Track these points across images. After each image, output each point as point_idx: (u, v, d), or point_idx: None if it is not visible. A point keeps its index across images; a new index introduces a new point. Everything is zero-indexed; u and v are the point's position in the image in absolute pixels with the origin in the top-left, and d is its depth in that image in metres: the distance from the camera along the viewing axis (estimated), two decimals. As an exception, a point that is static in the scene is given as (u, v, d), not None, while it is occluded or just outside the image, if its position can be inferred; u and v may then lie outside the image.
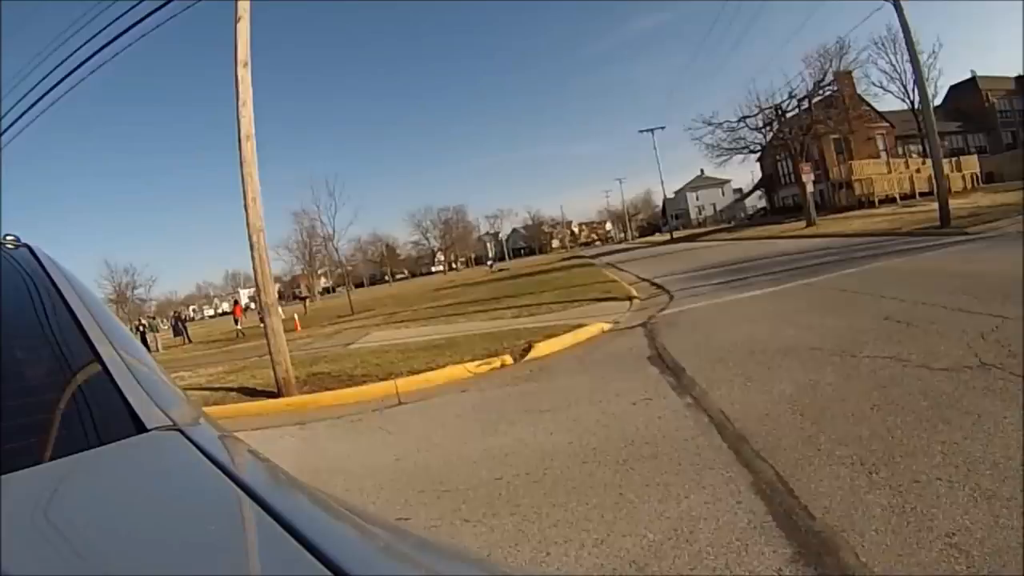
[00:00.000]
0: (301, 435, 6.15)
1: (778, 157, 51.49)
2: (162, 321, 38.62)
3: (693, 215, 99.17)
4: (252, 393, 8.88)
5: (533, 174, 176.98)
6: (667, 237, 63.23)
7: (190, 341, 30.06)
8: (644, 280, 16.82)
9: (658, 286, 14.54)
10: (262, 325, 8.76)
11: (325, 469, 4.74)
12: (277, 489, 0.93)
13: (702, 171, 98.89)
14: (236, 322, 28.34)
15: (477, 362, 7.99)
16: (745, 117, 36.82)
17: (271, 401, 8.12)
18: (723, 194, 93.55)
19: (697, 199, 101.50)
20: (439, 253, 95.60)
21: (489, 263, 74.94)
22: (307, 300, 40.77)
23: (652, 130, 65.36)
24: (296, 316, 24.45)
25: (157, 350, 27.75)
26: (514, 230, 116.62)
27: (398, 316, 18.87)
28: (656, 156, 65.04)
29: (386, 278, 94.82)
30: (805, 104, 36.00)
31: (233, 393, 9.06)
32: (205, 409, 5.82)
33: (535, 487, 3.69)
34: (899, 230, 17.75)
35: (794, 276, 11.52)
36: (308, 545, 0.65)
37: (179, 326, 33.53)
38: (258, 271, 8.52)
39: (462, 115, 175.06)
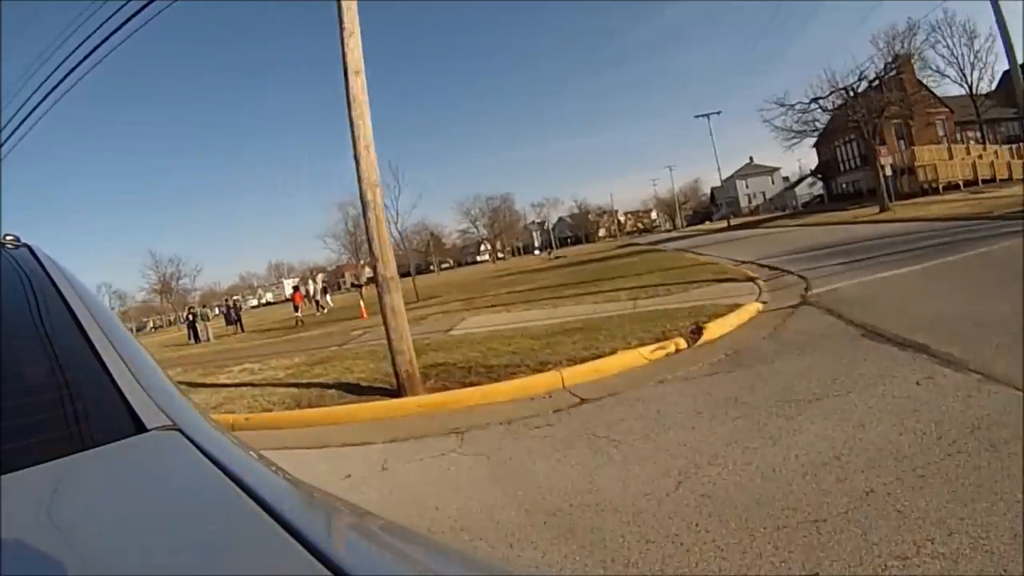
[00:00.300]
0: (475, 451, 4.86)
1: (837, 143, 48.36)
2: (211, 310, 36.68)
3: (743, 203, 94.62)
4: (360, 391, 7.51)
5: (578, 163, 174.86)
6: (720, 224, 63.82)
7: (243, 330, 29.86)
8: (746, 263, 16.10)
9: (771, 268, 13.93)
10: (379, 303, 7.36)
11: (576, 507, 3.50)
12: (277, 489, 0.92)
13: (751, 159, 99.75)
14: (296, 309, 28.03)
15: (650, 347, 7.03)
16: (817, 98, 36.76)
17: (395, 402, 6.71)
18: (772, 182, 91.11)
19: (747, 187, 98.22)
20: (484, 242, 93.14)
21: (547, 251, 76.75)
22: (363, 288, 38.67)
23: (708, 115, 63.84)
24: (361, 302, 24.18)
25: (208, 339, 27.94)
26: (560, 219, 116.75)
27: (479, 301, 18.45)
28: (712, 142, 62.91)
29: (431, 267, 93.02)
30: (869, 85, 36.10)
31: (331, 391, 7.71)
32: (297, 411, 6.70)
33: (926, 494, 2.86)
34: (990, 214, 17.26)
35: (921, 257, 11.01)
36: (308, 545, 0.65)
37: (232, 314, 32.51)
38: (374, 235, 7.20)
39: (505, 103, 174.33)
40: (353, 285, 41.68)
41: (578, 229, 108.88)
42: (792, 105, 37.10)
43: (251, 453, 1.06)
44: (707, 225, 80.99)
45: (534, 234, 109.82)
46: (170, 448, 0.95)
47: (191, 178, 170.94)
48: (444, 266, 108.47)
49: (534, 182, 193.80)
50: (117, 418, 1.00)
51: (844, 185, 55.68)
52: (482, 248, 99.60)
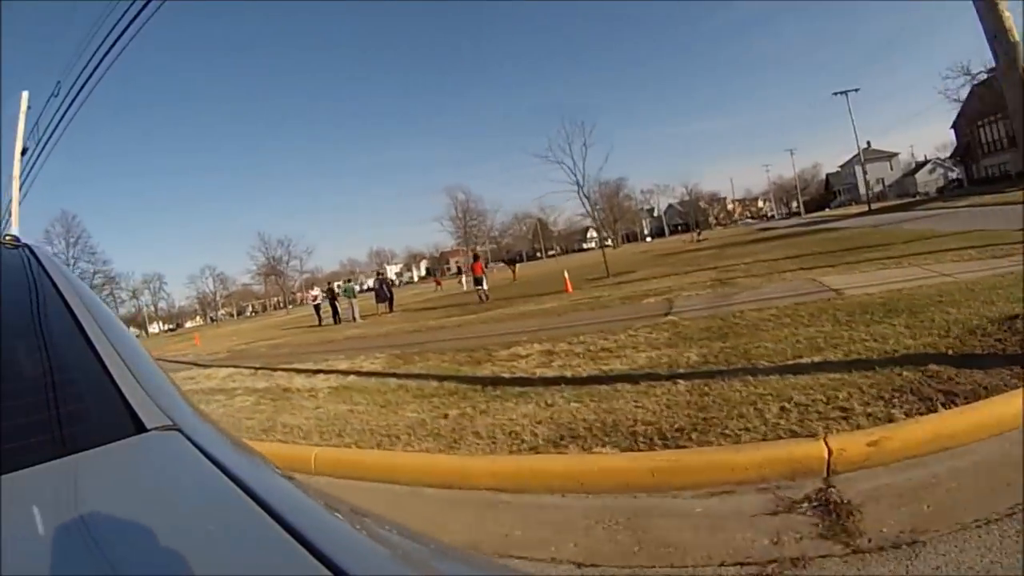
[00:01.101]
0: None
1: (980, 123, 44.74)
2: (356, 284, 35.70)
3: (862, 190, 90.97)
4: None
5: (687, 149, 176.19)
6: (857, 209, 61.58)
7: (391, 310, 27.69)
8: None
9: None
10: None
11: None
12: (277, 489, 0.93)
13: (868, 143, 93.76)
14: (478, 282, 25.14)
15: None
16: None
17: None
18: (891, 168, 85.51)
19: (866, 173, 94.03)
20: (592, 228, 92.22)
21: (695, 232, 75.38)
22: (516, 264, 37.51)
23: (846, 92, 62.47)
24: (567, 278, 22.04)
25: (354, 319, 25.95)
26: (670, 206, 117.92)
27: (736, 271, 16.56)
28: (852, 122, 60.42)
29: (538, 254, 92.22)
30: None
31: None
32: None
33: None
34: None
35: None
36: (308, 545, 0.67)
37: (384, 290, 29.05)
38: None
39: (614, 85, 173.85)
40: (505, 261, 40.23)
41: (687, 216, 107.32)
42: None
43: (251, 453, 1.09)
44: (831, 212, 78.59)
45: (644, 221, 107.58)
46: (170, 448, 0.96)
47: (297, 162, 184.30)
48: (551, 253, 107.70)
49: (643, 167, 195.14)
50: (117, 418, 1.01)
51: (988, 168, 51.90)
52: (588, 235, 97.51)
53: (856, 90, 64.85)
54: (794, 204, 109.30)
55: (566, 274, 22.64)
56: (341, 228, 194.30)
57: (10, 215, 16.30)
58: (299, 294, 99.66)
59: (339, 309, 28.73)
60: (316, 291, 33.61)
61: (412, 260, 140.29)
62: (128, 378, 1.10)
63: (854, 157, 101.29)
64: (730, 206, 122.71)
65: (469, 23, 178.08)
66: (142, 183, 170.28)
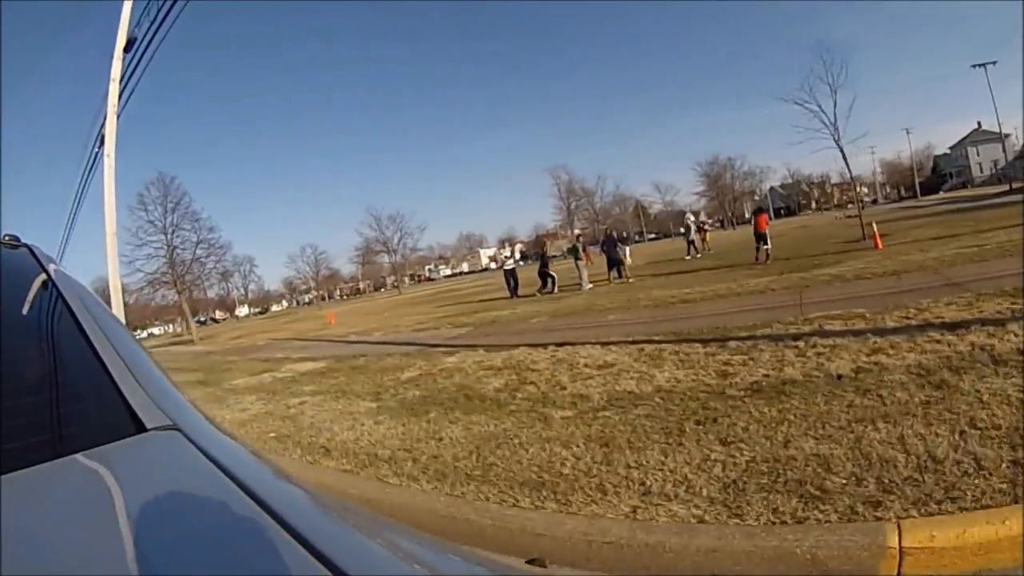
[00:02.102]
0: None
1: None
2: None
3: (975, 172, 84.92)
4: None
5: (784, 130, 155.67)
6: (996, 190, 55.85)
7: (623, 276, 22.42)
8: None
9: None
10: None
11: None
12: (277, 489, 0.94)
13: (979, 124, 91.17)
14: (762, 240, 20.31)
15: None
16: None
17: None
18: (1003, 150, 79.69)
19: (978, 155, 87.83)
20: (688, 213, 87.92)
21: (842, 211, 69.61)
22: (705, 231, 32.20)
23: (985, 65, 59.73)
24: (876, 231, 19.03)
25: (581, 286, 21.69)
26: (772, 188, 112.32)
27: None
28: (992, 97, 54.89)
29: (636, 238, 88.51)
30: None
31: None
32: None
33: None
34: None
35: None
36: (308, 545, 0.67)
37: (614, 251, 23.19)
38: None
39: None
40: (701, 227, 35.29)
41: (790, 200, 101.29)
42: None
43: (251, 453, 1.09)
44: (945, 195, 76.03)
45: (744, 205, 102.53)
46: (170, 448, 0.97)
47: (385, 148, 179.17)
48: (650, 237, 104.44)
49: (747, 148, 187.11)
50: (117, 418, 1.01)
51: None
52: (687, 219, 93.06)
53: (994, 63, 61.81)
54: (888, 190, 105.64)
55: (875, 225, 19.90)
56: (427, 214, 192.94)
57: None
58: (394, 278, 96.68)
59: (553, 275, 23.93)
60: (508, 251, 27.94)
61: (506, 244, 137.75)
62: (128, 378, 1.09)
63: (965, 138, 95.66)
64: (829, 190, 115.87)
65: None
66: (231, 159, 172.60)
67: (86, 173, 17.57)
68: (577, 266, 22.83)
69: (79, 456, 0.90)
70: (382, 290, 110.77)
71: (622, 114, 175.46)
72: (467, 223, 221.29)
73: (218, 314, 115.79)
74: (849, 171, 27.98)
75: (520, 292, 24.33)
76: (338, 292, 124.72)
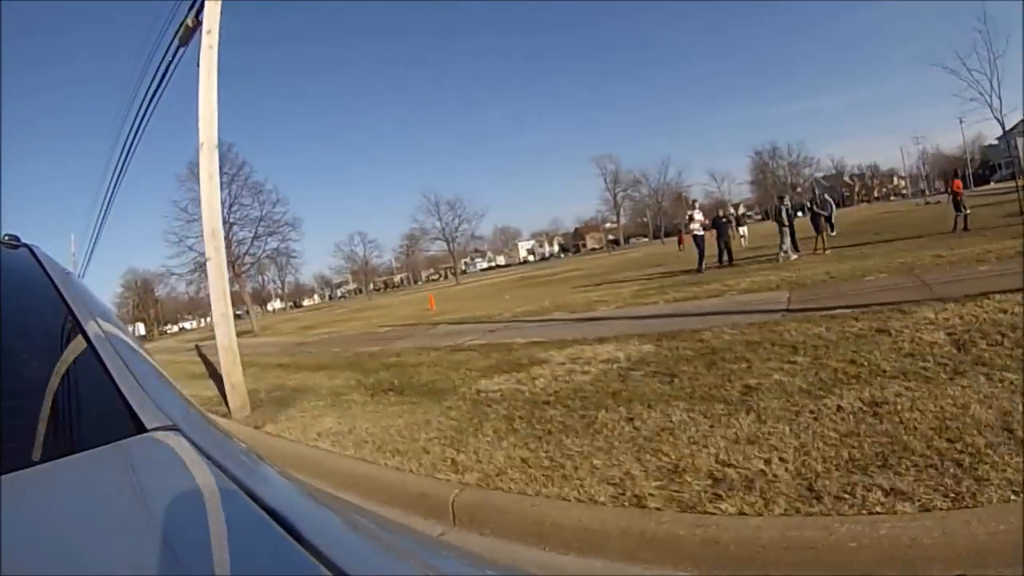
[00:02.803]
0: None
1: None
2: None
3: None
4: None
5: (831, 120, 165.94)
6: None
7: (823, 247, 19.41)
8: None
9: None
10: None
11: None
12: (277, 489, 0.93)
13: None
14: (958, 207, 18.86)
15: None
16: None
17: None
18: None
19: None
20: (728, 205, 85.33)
21: (924, 197, 72.42)
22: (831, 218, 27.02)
23: None
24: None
25: (784, 253, 18.82)
26: (815, 179, 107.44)
27: None
28: None
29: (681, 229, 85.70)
30: None
31: None
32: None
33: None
34: None
35: None
36: (308, 545, 0.67)
37: (825, 213, 20.81)
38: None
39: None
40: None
41: (833, 192, 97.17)
42: None
43: (251, 453, 1.09)
44: (996, 185, 73.33)
45: (785, 198, 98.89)
46: (170, 448, 0.96)
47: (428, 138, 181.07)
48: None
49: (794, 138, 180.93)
50: (117, 418, 1.01)
51: None
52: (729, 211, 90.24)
53: None
54: (934, 181, 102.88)
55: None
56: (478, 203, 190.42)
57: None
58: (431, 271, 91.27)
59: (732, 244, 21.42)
60: (700, 215, 22.37)
61: (545, 237, 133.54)
62: (128, 378, 1.08)
63: (1014, 127, 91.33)
64: (870, 183, 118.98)
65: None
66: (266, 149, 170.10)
67: (117, 171, 16.67)
68: (781, 232, 19.65)
69: (79, 456, 0.90)
70: (418, 283, 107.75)
71: (685, 106, 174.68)
72: (502, 216, 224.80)
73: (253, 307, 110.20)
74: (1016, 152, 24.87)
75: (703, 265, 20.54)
76: (372, 285, 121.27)
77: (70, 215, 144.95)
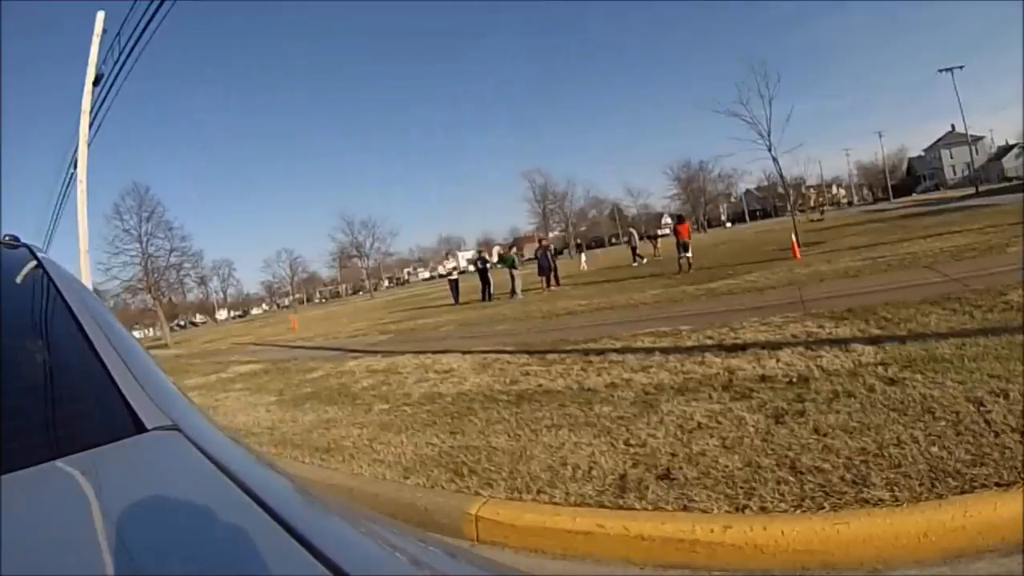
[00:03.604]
0: None
1: None
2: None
3: (948, 174, 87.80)
4: None
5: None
6: (943, 195, 61.74)
7: (556, 284, 24.87)
8: None
9: None
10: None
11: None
12: (277, 489, 0.95)
13: (953, 127, 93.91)
14: (683, 248, 21.68)
15: None
16: None
17: None
18: (976, 152, 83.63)
19: (951, 157, 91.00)
20: (665, 215, 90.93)
21: (816, 212, 77.40)
22: (657, 239, 35.10)
23: (951, 70, 63.39)
24: (795, 241, 20.09)
25: (514, 293, 23.22)
26: (747, 191, 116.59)
27: None
28: (959, 101, 58.60)
29: (612, 240, 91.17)
30: None
31: None
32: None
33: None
34: None
35: None
36: (308, 545, 0.69)
37: (547, 260, 25.10)
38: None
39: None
40: (648, 237, 37.58)
41: (766, 202, 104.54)
42: None
43: (251, 453, 1.12)
44: (918, 197, 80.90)
45: (721, 207, 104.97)
46: (170, 448, 0.98)
47: (362, 148, 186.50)
48: (625, 240, 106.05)
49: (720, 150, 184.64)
50: (117, 418, 1.03)
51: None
52: (663, 221, 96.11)
53: (961, 67, 65.01)
54: (865, 191, 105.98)
55: (794, 237, 20.64)
56: (407, 217, 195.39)
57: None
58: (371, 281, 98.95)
59: (490, 283, 25.53)
60: (453, 263, 30.09)
61: (484, 247, 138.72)
62: (128, 378, 1.10)
63: (939, 140, 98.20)
64: (805, 192, 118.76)
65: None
66: (210, 163, 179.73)
67: (63, 189, 18.84)
68: (512, 275, 23.89)
69: (79, 456, 0.91)
70: (360, 293, 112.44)
71: (600, 118, 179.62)
72: (446, 226, 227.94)
73: (198, 317, 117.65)
74: (782, 180, 27.14)
75: (461, 300, 26.37)
76: (318, 295, 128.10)
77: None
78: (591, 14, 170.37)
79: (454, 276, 28.91)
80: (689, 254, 21.49)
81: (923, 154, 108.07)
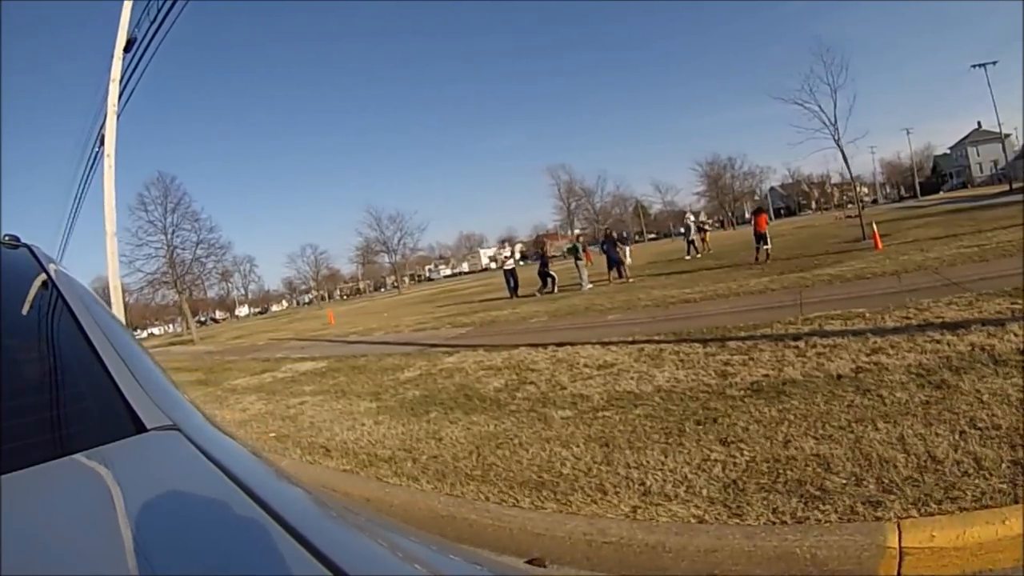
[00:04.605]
0: None
1: None
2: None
3: (975, 172, 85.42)
4: None
5: (784, 130, 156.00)
6: (974, 192, 58.15)
7: (624, 276, 22.41)
8: None
9: None
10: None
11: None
12: (277, 489, 0.95)
13: (979, 124, 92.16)
14: (762, 240, 20.19)
15: None
16: None
17: None
18: (1003, 150, 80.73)
19: (978, 155, 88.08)
20: (688, 213, 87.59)
21: (842, 211, 69.02)
22: (706, 232, 32.74)
23: (984, 65, 59.54)
24: (876, 230, 18.83)
25: (582, 286, 21.80)
26: (772, 188, 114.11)
27: None
28: (992, 98, 55.54)
29: (636, 238, 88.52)
30: None
31: None
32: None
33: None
34: None
35: None
36: (308, 545, 0.68)
37: (613, 251, 23.04)
38: None
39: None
40: (701, 227, 35.28)
41: (790, 200, 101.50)
42: None
43: (251, 453, 1.09)
44: (945, 194, 78.14)
45: (744, 205, 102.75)
46: (170, 448, 0.97)
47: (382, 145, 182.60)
48: (650, 237, 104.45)
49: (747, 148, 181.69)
50: (117, 418, 1.01)
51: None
52: (687, 219, 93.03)
53: (994, 63, 62.28)
54: (888, 189, 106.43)
55: (875, 226, 19.57)
56: (427, 214, 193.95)
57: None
58: (394, 278, 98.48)
59: (553, 275, 24.00)
60: (508, 250, 27.36)
61: (506, 244, 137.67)
62: (128, 378, 1.09)
63: (965, 138, 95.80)
64: (828, 190, 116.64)
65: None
66: (228, 160, 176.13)
67: (86, 173, 17.65)
68: (577, 266, 22.79)
69: (79, 456, 0.91)
70: (382, 290, 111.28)
71: (623, 114, 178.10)
72: (467, 223, 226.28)
73: (218, 314, 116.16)
74: (849, 171, 27.59)
75: (520, 292, 24.38)
76: (338, 292, 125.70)
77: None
78: (607, 11, 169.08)
79: (510, 266, 26.29)
80: (768, 245, 20.51)
81: (949, 152, 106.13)
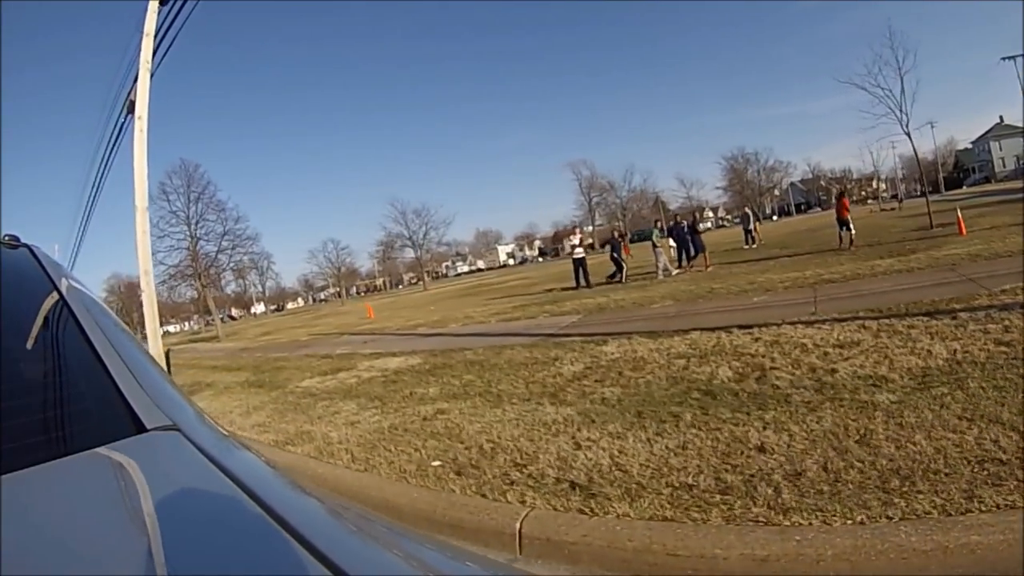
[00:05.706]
0: None
1: None
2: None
3: (997, 167, 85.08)
4: None
5: (802, 127, 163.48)
6: (1002, 186, 59.48)
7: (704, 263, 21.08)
8: None
9: None
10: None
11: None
12: (277, 489, 0.94)
13: (1001, 118, 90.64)
14: (844, 225, 19.38)
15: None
16: None
17: None
18: None
19: (1000, 149, 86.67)
20: (707, 209, 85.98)
21: (897, 202, 67.05)
22: (756, 227, 30.66)
23: (1014, 58, 55.58)
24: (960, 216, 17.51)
25: (660, 274, 20.15)
26: (792, 184, 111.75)
27: None
28: (1022, 89, 54.42)
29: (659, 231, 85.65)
30: None
31: None
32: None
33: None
34: None
35: None
36: (308, 545, 0.68)
37: (687, 237, 22.21)
38: None
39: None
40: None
41: (809, 196, 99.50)
42: None
43: (251, 453, 1.09)
44: (968, 189, 76.65)
45: (766, 200, 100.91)
46: (170, 448, 0.97)
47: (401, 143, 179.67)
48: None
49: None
50: (117, 418, 1.01)
51: None
52: (706, 214, 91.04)
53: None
54: (910, 184, 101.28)
55: (959, 212, 18.07)
56: (443, 211, 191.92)
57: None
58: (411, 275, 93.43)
59: (624, 264, 22.25)
60: (577, 238, 24.83)
61: (525, 240, 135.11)
62: (128, 378, 1.09)
63: (987, 133, 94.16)
64: (848, 186, 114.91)
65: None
66: (249, 155, 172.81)
67: (106, 154, 16.24)
68: (656, 253, 21.17)
69: (79, 456, 0.91)
70: (399, 287, 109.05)
71: (649, 112, 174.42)
72: (484, 220, 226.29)
73: (234, 311, 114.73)
74: (917, 160, 26.42)
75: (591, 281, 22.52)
76: (355, 289, 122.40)
77: (69, 215, 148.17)
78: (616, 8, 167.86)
79: (579, 254, 23.45)
80: (853, 231, 19.43)
81: (971, 146, 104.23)
